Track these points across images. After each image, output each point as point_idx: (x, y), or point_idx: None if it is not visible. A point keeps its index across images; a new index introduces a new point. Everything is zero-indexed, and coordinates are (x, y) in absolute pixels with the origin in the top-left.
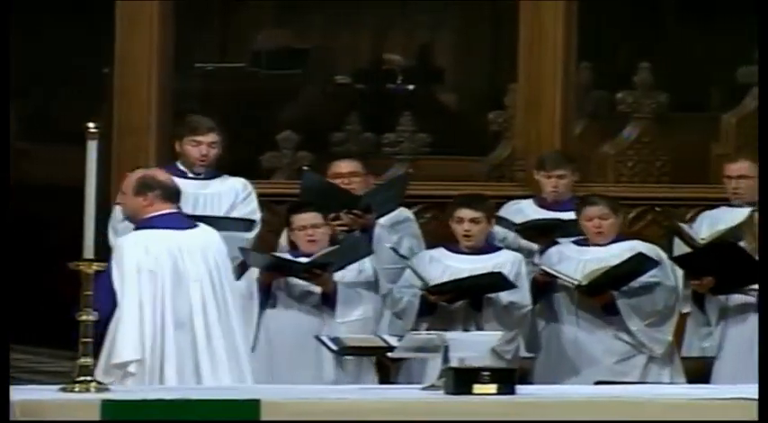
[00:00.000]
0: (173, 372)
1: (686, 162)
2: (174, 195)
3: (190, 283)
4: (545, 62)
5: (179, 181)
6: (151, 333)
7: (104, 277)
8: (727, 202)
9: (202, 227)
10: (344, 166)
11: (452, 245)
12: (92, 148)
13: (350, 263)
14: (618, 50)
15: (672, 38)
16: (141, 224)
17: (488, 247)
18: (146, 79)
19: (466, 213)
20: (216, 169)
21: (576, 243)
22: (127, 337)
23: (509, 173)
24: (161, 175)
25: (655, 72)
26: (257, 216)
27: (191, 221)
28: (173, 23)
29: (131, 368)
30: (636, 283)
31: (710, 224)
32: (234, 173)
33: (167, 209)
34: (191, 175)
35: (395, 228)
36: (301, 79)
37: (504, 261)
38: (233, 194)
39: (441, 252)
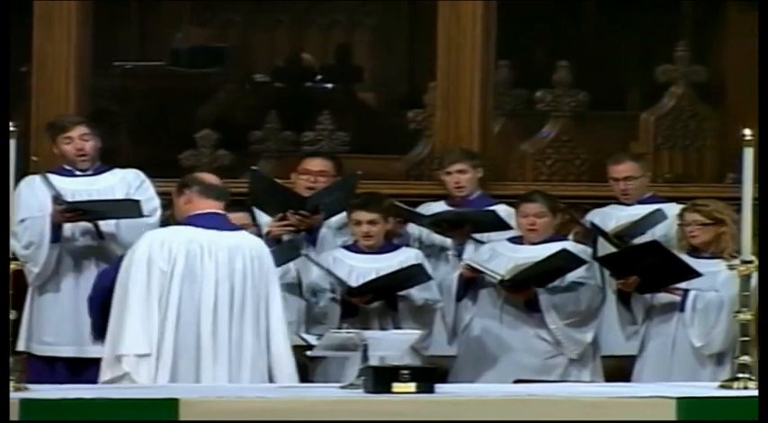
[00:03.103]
0: (166, 371)
1: (605, 160)
2: (215, 193)
3: (203, 283)
4: (463, 60)
5: (68, 180)
6: (156, 329)
7: (111, 267)
8: (615, 200)
9: (244, 233)
10: (316, 163)
11: (352, 245)
12: (10, 147)
13: (282, 264)
14: (536, 49)
15: (590, 36)
16: (183, 222)
17: (388, 245)
18: (64, 78)
19: (363, 216)
20: (107, 164)
21: (511, 241)
22: (135, 330)
23: (428, 171)
24: (205, 175)
25: (573, 70)
26: (156, 202)
27: (236, 224)
28: (91, 22)
29: (126, 366)
30: (561, 282)
31: (600, 221)
32: (153, 171)
33: (209, 208)
34: (78, 172)
35: (344, 229)
36: (220, 78)
37: (406, 258)
38: (125, 186)
39: (342, 253)
